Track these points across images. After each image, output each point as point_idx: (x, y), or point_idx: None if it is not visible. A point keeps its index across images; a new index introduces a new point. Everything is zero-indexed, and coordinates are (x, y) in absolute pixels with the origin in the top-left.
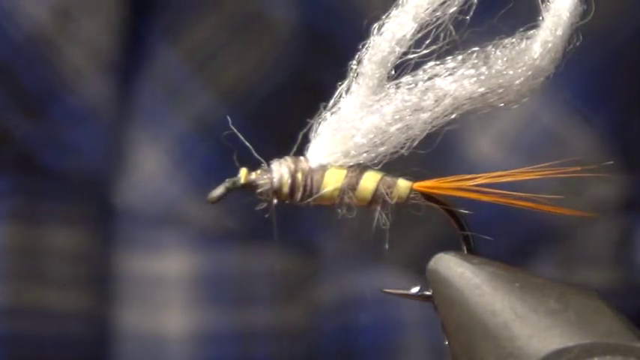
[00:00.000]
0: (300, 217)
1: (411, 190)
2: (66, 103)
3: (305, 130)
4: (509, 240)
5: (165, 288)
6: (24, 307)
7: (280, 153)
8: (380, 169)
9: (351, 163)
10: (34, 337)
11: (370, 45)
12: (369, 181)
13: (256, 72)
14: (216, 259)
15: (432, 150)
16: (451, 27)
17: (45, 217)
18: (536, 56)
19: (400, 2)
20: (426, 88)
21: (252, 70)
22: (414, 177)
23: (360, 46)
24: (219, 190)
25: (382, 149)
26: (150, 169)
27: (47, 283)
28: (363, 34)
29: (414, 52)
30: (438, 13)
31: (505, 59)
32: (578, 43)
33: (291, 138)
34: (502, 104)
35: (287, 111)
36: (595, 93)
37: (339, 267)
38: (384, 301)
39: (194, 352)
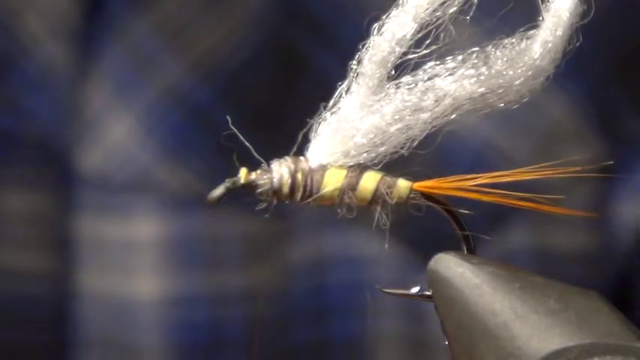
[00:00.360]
0: None
1: (411, 190)
2: (22, 68)
3: (304, 130)
4: (484, 202)
5: (135, 252)
6: None
7: (251, 123)
8: (380, 169)
9: (351, 163)
10: None
11: (370, 45)
12: (369, 181)
13: (228, 42)
14: (186, 223)
15: None
16: (451, 27)
17: (2, 179)
18: (536, 56)
19: (400, 2)
20: (426, 88)
21: (224, 40)
22: (414, 177)
23: (360, 46)
24: (219, 190)
25: (382, 149)
26: (120, 136)
27: (6, 245)
28: (339, 5)
29: (414, 52)
30: (438, 13)
31: (505, 59)
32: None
33: (262, 108)
34: (502, 104)
35: (259, 81)
36: (571, 59)
37: (310, 228)
38: (356, 261)
39: (165, 315)
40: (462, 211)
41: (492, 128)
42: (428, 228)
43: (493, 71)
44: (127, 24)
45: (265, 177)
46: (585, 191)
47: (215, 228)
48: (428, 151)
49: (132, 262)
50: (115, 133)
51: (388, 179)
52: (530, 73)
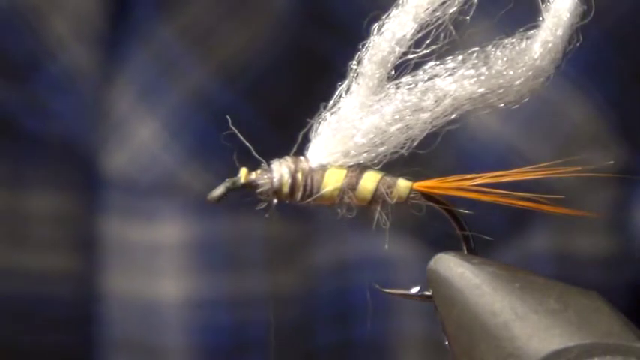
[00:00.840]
0: None
1: (411, 190)
2: (48, 70)
3: (305, 130)
4: (506, 207)
5: (159, 255)
6: (8, 268)
7: (275, 126)
8: (380, 169)
9: (351, 163)
10: (21, 298)
11: (370, 45)
12: (369, 181)
13: (252, 46)
14: (210, 225)
15: None
16: (451, 27)
17: (27, 181)
18: (536, 56)
19: (400, 2)
20: (426, 88)
21: (248, 45)
22: (414, 177)
23: (360, 46)
24: (219, 190)
25: (382, 149)
26: (145, 139)
27: (31, 246)
28: (362, 7)
29: (414, 52)
30: (438, 13)
31: (505, 59)
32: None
33: (285, 111)
34: (502, 104)
35: (282, 85)
36: (592, 63)
37: (334, 230)
38: (380, 263)
39: (189, 317)
40: (462, 211)
41: (514, 132)
42: (451, 229)
43: (493, 71)
44: (152, 29)
45: (265, 177)
46: (605, 196)
47: (238, 231)
48: (450, 155)
49: (156, 265)
50: (140, 137)
51: (388, 179)
52: (530, 73)
